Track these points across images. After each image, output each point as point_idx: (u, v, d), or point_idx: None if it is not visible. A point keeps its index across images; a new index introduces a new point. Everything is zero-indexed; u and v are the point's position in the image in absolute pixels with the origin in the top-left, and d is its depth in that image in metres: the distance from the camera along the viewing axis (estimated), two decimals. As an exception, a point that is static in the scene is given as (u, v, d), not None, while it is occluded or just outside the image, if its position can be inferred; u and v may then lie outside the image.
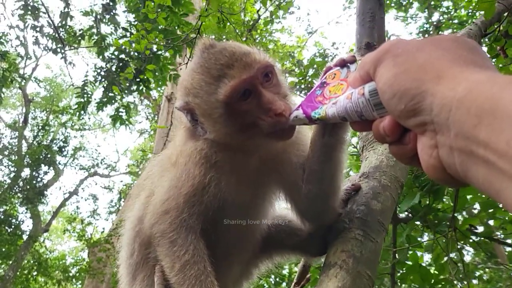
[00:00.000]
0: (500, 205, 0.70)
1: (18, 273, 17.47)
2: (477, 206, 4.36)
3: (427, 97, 0.78)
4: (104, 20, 10.41)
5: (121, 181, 24.09)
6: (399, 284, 4.58)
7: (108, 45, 10.11)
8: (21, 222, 18.96)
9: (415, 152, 0.88)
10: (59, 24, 11.02)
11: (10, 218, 17.92)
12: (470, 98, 0.69)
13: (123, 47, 9.32)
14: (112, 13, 10.31)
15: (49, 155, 19.50)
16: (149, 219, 1.66)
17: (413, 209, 3.87)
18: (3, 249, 17.38)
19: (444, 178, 0.82)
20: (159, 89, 13.26)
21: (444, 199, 4.11)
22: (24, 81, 18.67)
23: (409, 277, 4.06)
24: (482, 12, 3.33)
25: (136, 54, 8.73)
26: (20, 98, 25.96)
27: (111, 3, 10.29)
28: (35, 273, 17.94)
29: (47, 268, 17.67)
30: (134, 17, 9.46)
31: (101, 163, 24.13)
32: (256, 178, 1.70)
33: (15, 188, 18.80)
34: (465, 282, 4.44)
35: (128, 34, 9.46)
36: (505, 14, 3.51)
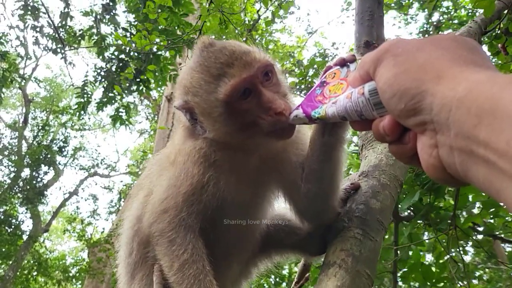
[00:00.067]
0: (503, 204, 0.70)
1: (18, 273, 17.48)
2: (478, 205, 4.36)
3: (427, 96, 0.78)
4: (104, 20, 10.41)
5: (121, 181, 24.06)
6: (400, 283, 4.57)
7: (108, 45, 10.11)
8: (21, 222, 18.98)
9: (415, 151, 0.88)
10: (59, 24, 11.01)
11: (10, 218, 17.93)
12: (470, 98, 0.70)
13: (123, 47, 9.34)
14: (112, 13, 10.31)
15: (49, 155, 19.50)
16: (147, 218, 1.66)
17: (414, 207, 3.87)
18: (3, 249, 17.38)
19: (444, 178, 0.82)
20: (159, 89, 13.26)
21: (446, 197, 4.10)
22: (24, 81, 18.67)
23: (411, 275, 4.06)
24: (482, 10, 3.32)
25: (136, 54, 8.73)
26: (20, 98, 25.96)
27: (111, 3, 10.29)
28: (35, 273, 17.95)
29: (47, 268, 17.68)
30: (134, 17, 9.46)
31: (101, 163, 24.15)
32: (256, 177, 1.70)
33: (15, 188, 18.80)
34: (465, 282, 4.43)
35: (128, 34, 9.46)
36: (505, 11, 3.51)
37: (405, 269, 4.23)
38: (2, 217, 17.68)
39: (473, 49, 0.85)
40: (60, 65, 34.46)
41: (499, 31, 3.74)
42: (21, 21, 11.69)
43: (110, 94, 9.87)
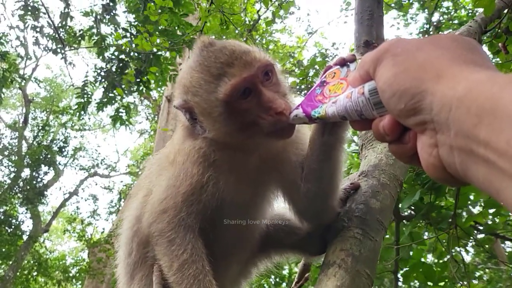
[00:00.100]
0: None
1: (18, 273, 17.48)
2: (480, 203, 4.36)
3: (427, 96, 0.78)
4: (104, 21, 10.40)
5: (121, 182, 24.07)
6: (400, 282, 4.57)
7: (108, 46, 10.11)
8: (21, 223, 18.98)
9: (415, 151, 0.87)
10: (59, 25, 11.00)
11: (10, 219, 17.92)
12: (470, 97, 0.70)
13: (123, 47, 9.34)
14: (112, 14, 10.30)
15: (49, 156, 19.50)
16: (147, 218, 1.66)
17: (415, 206, 3.87)
18: (3, 250, 17.38)
19: (444, 177, 0.81)
20: (159, 89, 13.27)
21: (447, 196, 4.10)
22: (24, 81, 18.67)
23: (412, 274, 4.06)
24: (482, 10, 3.33)
25: (136, 54, 8.73)
26: (20, 99, 25.96)
27: (111, 4, 10.28)
28: (35, 273, 17.95)
29: (47, 269, 17.68)
30: (134, 18, 9.46)
31: (101, 163, 24.15)
32: (255, 177, 1.70)
33: (15, 188, 18.80)
34: (465, 282, 4.43)
35: (128, 34, 9.47)
36: (505, 11, 3.51)
37: (407, 268, 4.23)
38: (2, 217, 17.68)
39: (473, 49, 0.85)
40: (60, 65, 34.55)
41: (499, 30, 3.74)
42: (21, 21, 11.68)
43: (110, 95, 9.87)
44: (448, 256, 4.06)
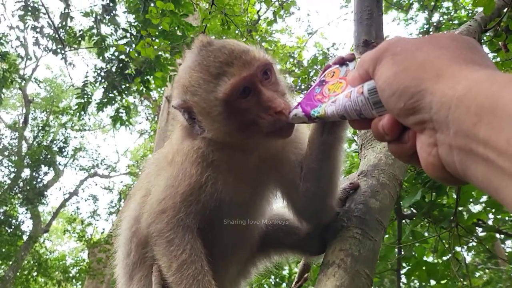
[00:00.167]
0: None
1: (18, 273, 17.48)
2: (482, 199, 4.36)
3: (427, 95, 0.78)
4: (104, 21, 10.41)
5: (121, 182, 24.08)
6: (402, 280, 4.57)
7: (108, 46, 10.12)
8: (21, 223, 18.98)
9: (414, 150, 0.87)
10: (59, 25, 11.01)
11: (10, 219, 17.93)
12: (469, 96, 0.69)
13: (123, 50, 9.34)
14: (112, 14, 10.30)
15: (49, 156, 19.51)
16: (146, 219, 1.66)
17: (417, 205, 3.87)
18: (3, 250, 17.38)
19: (443, 176, 0.81)
20: (159, 89, 13.28)
21: (450, 193, 4.10)
22: (24, 81, 18.66)
23: (415, 272, 4.05)
24: (481, 9, 3.33)
25: (136, 54, 8.74)
26: (20, 99, 25.98)
27: (111, 4, 10.28)
28: (35, 273, 17.96)
29: (47, 269, 17.68)
30: (134, 18, 9.47)
31: (101, 163, 24.16)
32: (254, 176, 1.70)
33: (15, 188, 18.80)
34: (465, 282, 4.43)
35: (128, 35, 9.47)
36: (505, 10, 3.50)
37: (409, 267, 4.22)
38: (2, 217, 17.68)
39: (472, 48, 0.85)
40: (60, 65, 34.57)
41: (499, 29, 3.74)
42: (21, 22, 11.68)
43: (110, 95, 9.88)
44: (450, 255, 4.06)
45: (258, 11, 14.13)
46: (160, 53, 8.02)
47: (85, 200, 21.85)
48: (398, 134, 0.92)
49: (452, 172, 0.77)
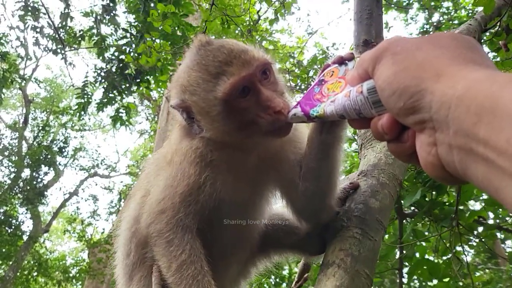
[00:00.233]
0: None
1: (18, 273, 17.49)
2: (483, 196, 4.36)
3: (426, 95, 0.77)
4: (104, 21, 10.41)
5: (121, 182, 24.10)
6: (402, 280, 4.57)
7: (108, 46, 10.12)
8: (21, 223, 19.00)
9: (413, 149, 0.87)
10: (59, 25, 11.01)
11: (10, 219, 17.94)
12: (469, 96, 0.69)
13: (124, 47, 9.35)
14: (112, 14, 10.31)
15: (49, 156, 19.52)
16: (145, 219, 1.66)
17: (418, 204, 3.86)
18: (3, 250, 17.39)
19: (443, 176, 0.81)
20: (159, 89, 13.28)
21: (451, 191, 4.09)
22: (24, 81, 18.68)
23: (417, 271, 4.05)
24: (481, 8, 3.32)
25: (136, 55, 8.73)
26: (20, 99, 25.98)
27: (111, 4, 10.29)
28: (35, 273, 17.97)
29: (47, 269, 17.69)
30: (134, 18, 9.47)
31: (101, 163, 24.17)
32: (254, 176, 1.69)
33: (15, 188, 18.81)
34: (466, 282, 4.43)
35: (128, 35, 9.47)
36: (505, 10, 3.50)
37: (411, 265, 4.21)
38: (2, 217, 17.69)
39: (472, 48, 0.85)
40: (60, 65, 34.56)
41: (499, 28, 3.74)
42: (21, 22, 11.69)
43: (110, 95, 9.88)
44: (451, 254, 4.06)
45: (258, 11, 14.12)
46: (162, 54, 8.01)
47: (85, 200, 21.89)
48: (397, 133, 0.92)
49: (452, 171, 0.77)
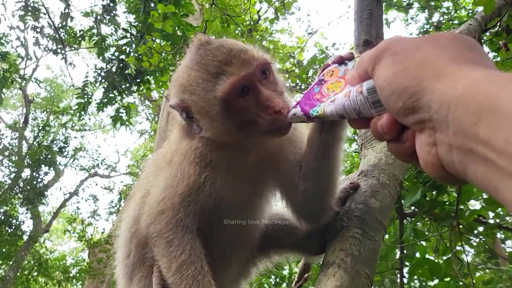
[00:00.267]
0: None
1: (18, 273, 17.49)
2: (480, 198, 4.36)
3: (426, 94, 0.77)
4: (104, 21, 10.41)
5: (121, 182, 24.09)
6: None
7: (108, 46, 10.12)
8: (22, 223, 19.00)
9: (413, 149, 0.87)
10: (60, 25, 11.01)
11: (10, 219, 17.94)
12: (469, 95, 0.69)
13: (124, 47, 9.34)
14: (112, 14, 10.30)
15: (49, 156, 19.52)
16: (145, 219, 1.66)
17: (418, 203, 3.86)
18: (4, 250, 17.40)
19: (443, 176, 0.81)
20: (159, 90, 13.28)
21: (451, 190, 4.09)
22: (24, 81, 18.68)
23: (417, 271, 4.04)
24: (482, 8, 3.32)
25: (136, 55, 8.73)
26: (20, 99, 25.99)
27: (111, 4, 10.28)
28: (35, 273, 17.97)
29: (47, 269, 17.69)
30: (134, 18, 9.46)
31: (101, 163, 24.16)
32: (253, 175, 1.69)
33: (15, 188, 18.82)
34: (466, 282, 4.43)
35: (128, 35, 9.47)
36: (506, 10, 3.50)
37: (411, 265, 4.21)
38: (3, 217, 17.69)
39: (472, 48, 0.85)
40: (60, 65, 34.57)
41: (499, 28, 3.73)
42: (21, 22, 11.69)
43: (111, 95, 9.88)
44: (451, 254, 4.06)
45: (258, 11, 14.13)
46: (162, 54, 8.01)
47: (85, 200, 21.89)
48: (397, 133, 0.92)
49: (452, 171, 0.77)
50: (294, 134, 1.67)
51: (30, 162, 19.20)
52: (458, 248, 4.10)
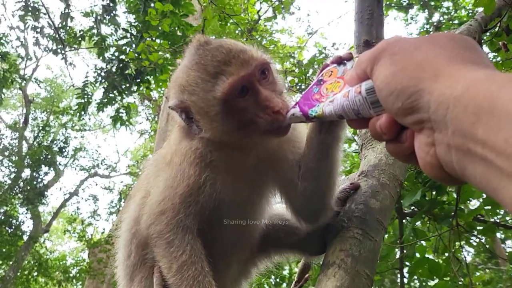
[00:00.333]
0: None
1: (18, 273, 17.49)
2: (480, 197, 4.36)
3: (425, 95, 0.77)
4: (104, 21, 10.41)
5: (121, 182, 24.08)
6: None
7: (108, 46, 10.12)
8: (22, 223, 19.00)
9: (412, 150, 0.87)
10: (60, 25, 11.01)
11: (10, 219, 17.94)
12: (467, 96, 0.69)
13: (124, 47, 9.34)
14: (112, 14, 10.30)
15: (49, 156, 19.51)
16: (145, 220, 1.66)
17: (418, 203, 3.86)
18: (4, 250, 17.39)
19: (441, 176, 0.81)
20: (159, 89, 13.29)
21: (452, 190, 4.10)
22: (24, 81, 18.68)
23: (417, 270, 4.05)
24: (482, 9, 3.32)
25: (136, 55, 8.73)
26: (20, 99, 25.98)
27: (111, 4, 10.28)
28: (35, 273, 17.97)
29: (47, 269, 17.69)
30: (134, 18, 9.47)
31: (101, 163, 24.16)
32: (252, 175, 1.69)
33: (15, 188, 18.81)
34: (465, 282, 4.43)
35: (128, 35, 9.47)
36: (506, 10, 3.50)
37: (411, 265, 4.21)
38: (3, 217, 17.69)
39: (471, 48, 0.85)
40: (60, 65, 34.49)
41: (499, 29, 3.74)
42: (21, 22, 11.69)
43: (111, 95, 9.88)
44: (450, 254, 4.06)
45: (258, 11, 14.14)
46: (161, 53, 8.01)
47: (86, 200, 21.88)
48: (395, 133, 0.92)
49: (450, 171, 0.77)
50: (294, 134, 1.67)
51: (30, 162, 19.20)
52: (456, 247, 4.11)
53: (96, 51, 11.22)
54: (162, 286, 1.60)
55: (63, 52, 11.49)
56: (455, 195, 3.81)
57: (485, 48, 4.10)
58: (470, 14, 11.49)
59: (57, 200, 33.32)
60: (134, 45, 9.03)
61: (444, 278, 4.04)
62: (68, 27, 11.33)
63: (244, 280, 2.05)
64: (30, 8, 11.35)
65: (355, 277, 1.53)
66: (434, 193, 3.81)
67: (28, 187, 18.67)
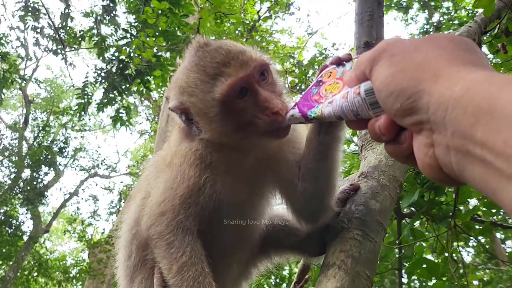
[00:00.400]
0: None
1: (18, 274, 17.50)
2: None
3: (424, 96, 0.77)
4: (104, 21, 10.40)
5: (122, 182, 24.11)
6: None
7: (108, 46, 10.12)
8: (22, 223, 19.01)
9: (411, 151, 0.87)
10: (60, 25, 11.00)
11: (10, 219, 17.94)
12: (467, 97, 0.69)
13: (124, 47, 9.35)
14: (112, 14, 10.29)
15: (49, 156, 19.52)
16: (145, 221, 1.66)
17: (416, 204, 3.87)
18: (4, 250, 17.40)
19: (440, 177, 0.81)
20: (159, 90, 13.29)
21: (451, 190, 4.10)
22: (24, 82, 18.65)
23: (416, 270, 4.05)
24: (481, 10, 3.33)
25: (136, 55, 8.73)
26: (20, 99, 25.99)
27: (111, 4, 10.28)
28: (35, 274, 17.98)
29: (47, 269, 17.70)
30: (134, 18, 9.47)
31: (101, 164, 24.18)
32: (252, 176, 1.70)
33: (15, 189, 18.82)
34: (465, 282, 4.43)
35: (128, 35, 9.47)
36: (505, 12, 3.51)
37: (409, 265, 4.21)
38: (3, 218, 17.70)
39: (470, 49, 0.85)
40: (60, 66, 34.55)
41: (498, 31, 3.74)
42: (21, 22, 11.69)
43: (111, 95, 9.88)
44: (448, 254, 4.06)
45: (258, 11, 14.14)
46: (160, 53, 8.02)
47: (86, 201, 21.90)
48: (394, 134, 0.92)
49: (449, 173, 0.77)
50: (293, 135, 1.66)
51: (30, 163, 19.20)
52: (454, 248, 4.11)
53: (96, 52, 11.21)
54: (163, 287, 1.60)
55: (63, 52, 11.48)
56: (453, 196, 3.81)
57: (485, 50, 4.10)
58: (470, 15, 11.49)
59: (57, 201, 33.37)
60: (134, 46, 9.04)
61: (442, 278, 4.05)
62: (68, 28, 11.32)
63: (244, 280, 2.05)
64: (30, 9, 11.35)
65: (355, 278, 1.53)
66: (432, 193, 3.81)
67: (28, 187, 18.67)
